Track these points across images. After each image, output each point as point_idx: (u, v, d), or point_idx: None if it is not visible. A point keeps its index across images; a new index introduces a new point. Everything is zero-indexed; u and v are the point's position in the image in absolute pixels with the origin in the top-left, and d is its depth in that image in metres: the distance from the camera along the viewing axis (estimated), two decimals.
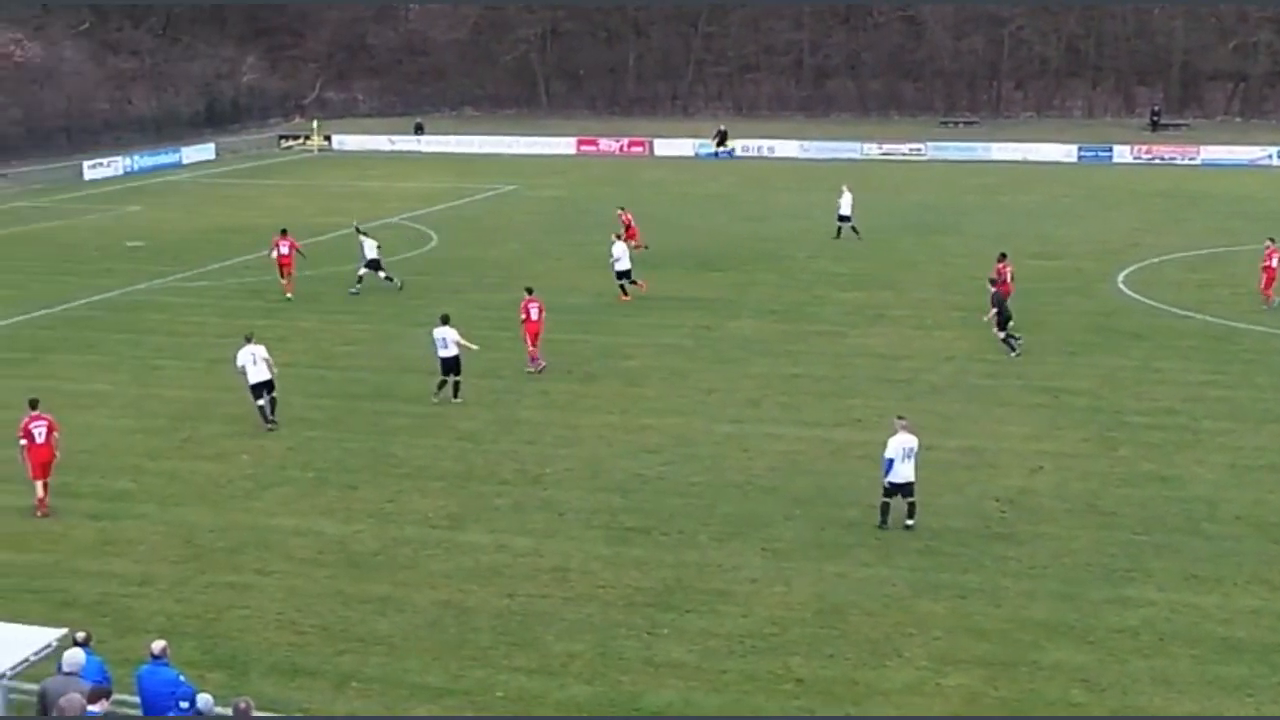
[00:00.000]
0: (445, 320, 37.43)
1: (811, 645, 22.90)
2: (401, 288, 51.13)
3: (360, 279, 51.32)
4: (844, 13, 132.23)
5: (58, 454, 29.44)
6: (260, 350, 34.99)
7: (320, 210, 73.96)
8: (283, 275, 51.32)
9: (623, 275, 50.29)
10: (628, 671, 22.07)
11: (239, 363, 35.00)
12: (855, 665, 22.23)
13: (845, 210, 63.11)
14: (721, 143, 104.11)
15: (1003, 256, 45.14)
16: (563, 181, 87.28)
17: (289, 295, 50.96)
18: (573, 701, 21.25)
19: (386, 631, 23.55)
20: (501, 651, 22.79)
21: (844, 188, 64.51)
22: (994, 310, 41.66)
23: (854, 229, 62.81)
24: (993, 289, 42.16)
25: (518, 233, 66.15)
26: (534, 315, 39.98)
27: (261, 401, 35.08)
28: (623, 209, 60.64)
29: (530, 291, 40.65)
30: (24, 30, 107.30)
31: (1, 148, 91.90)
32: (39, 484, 29.14)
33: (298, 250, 51.52)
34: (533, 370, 39.92)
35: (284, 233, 51.83)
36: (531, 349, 40.14)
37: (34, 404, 29.78)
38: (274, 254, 51.40)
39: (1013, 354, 41.21)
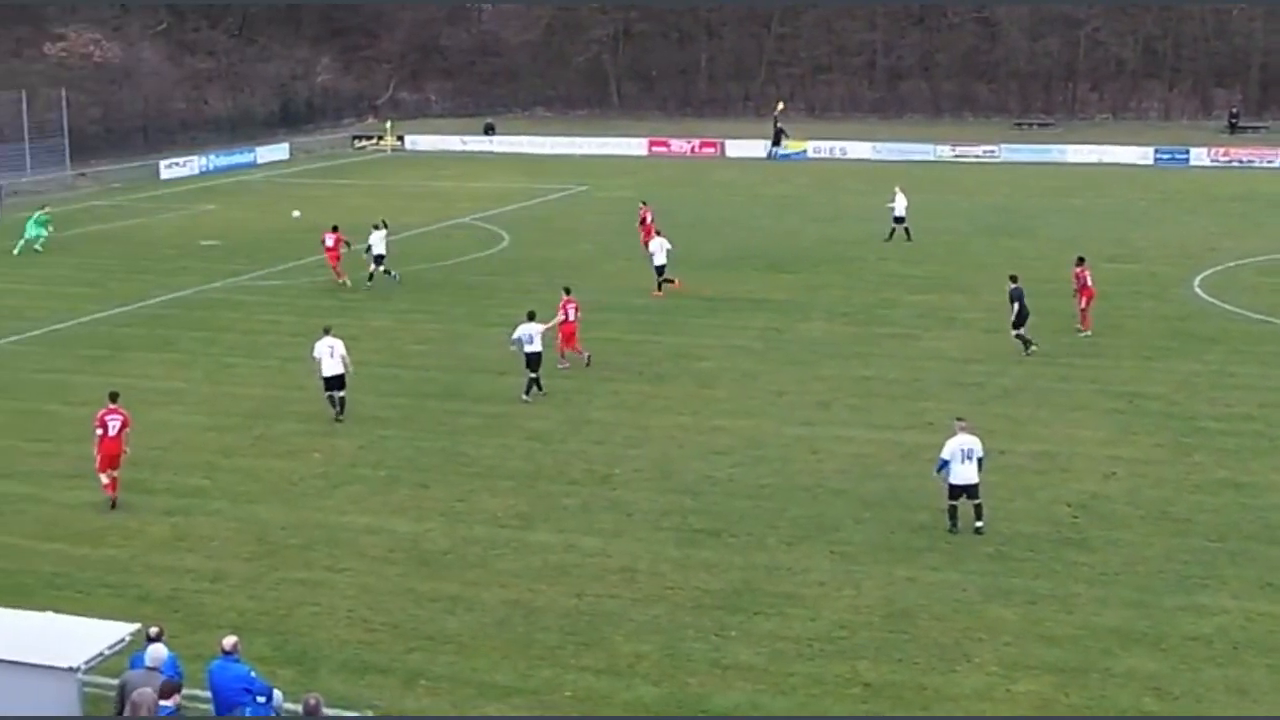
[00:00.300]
0: (531, 316, 37.87)
1: (880, 649, 22.81)
2: (369, 280, 52.53)
3: (387, 271, 52.55)
4: (918, 13, 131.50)
5: (127, 449, 29.80)
6: (339, 345, 35.57)
7: (392, 210, 74.02)
8: (338, 266, 53.00)
9: (661, 270, 50.64)
10: (695, 673, 22.06)
11: (315, 354, 35.56)
12: (924, 670, 22.12)
13: (900, 211, 62.97)
14: (777, 141, 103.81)
15: (1080, 260, 44.73)
16: (634, 182, 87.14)
17: (343, 281, 52.59)
18: (640, 702, 21.26)
19: (455, 630, 23.65)
20: (569, 651, 22.84)
21: (896, 189, 64.33)
22: (1015, 306, 41.58)
23: (891, 231, 62.92)
24: (1012, 285, 41.95)
25: (589, 233, 66.22)
26: (571, 315, 40.20)
27: (332, 394, 35.59)
28: (644, 203, 61.63)
29: (568, 291, 41.01)
30: (103, 30, 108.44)
31: (80, 147, 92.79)
32: (103, 475, 29.58)
33: (345, 244, 53.04)
34: (564, 367, 40.14)
35: (335, 229, 53.33)
36: (562, 347, 40.35)
37: (113, 397, 30.26)
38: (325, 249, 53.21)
39: (1026, 352, 41.29)
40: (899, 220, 62.98)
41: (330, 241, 52.89)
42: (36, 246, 60.94)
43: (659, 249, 50.78)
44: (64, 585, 25.50)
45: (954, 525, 27.58)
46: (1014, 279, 42.29)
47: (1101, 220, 69.47)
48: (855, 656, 22.57)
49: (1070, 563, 26.27)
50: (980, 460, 27.57)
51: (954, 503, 27.61)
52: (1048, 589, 25.08)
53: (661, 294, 50.31)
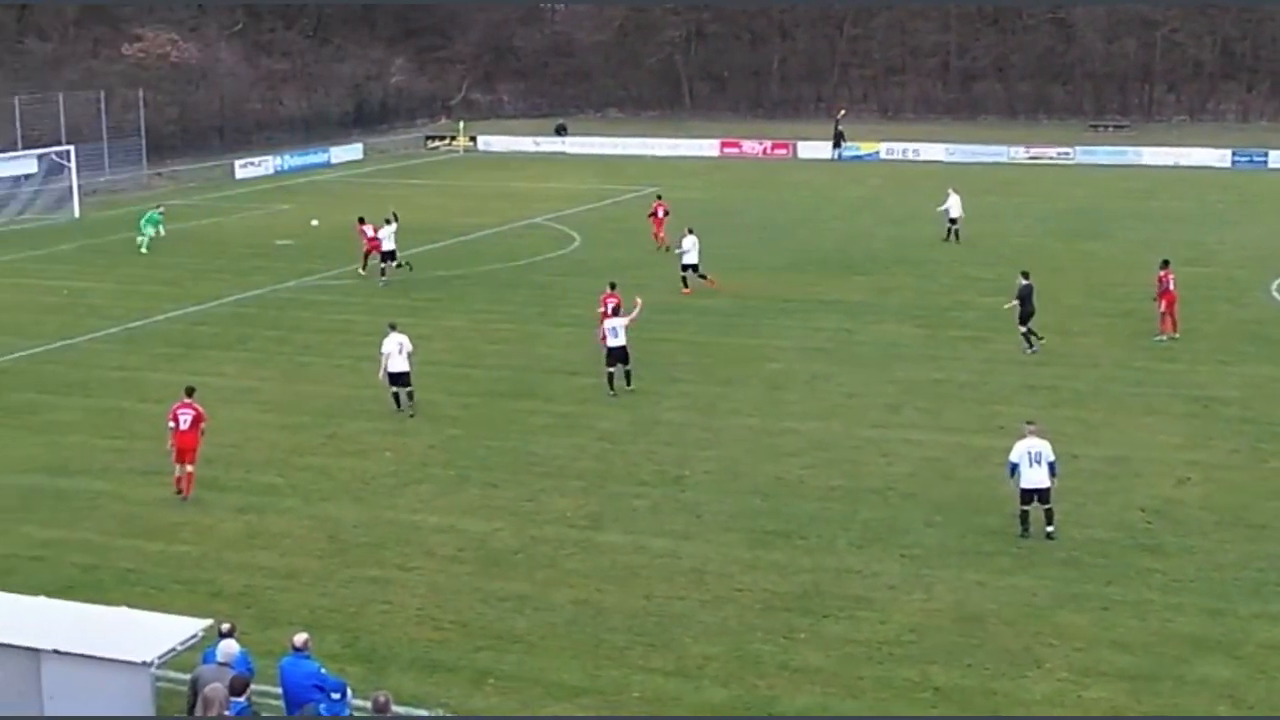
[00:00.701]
0: (616, 311, 38.52)
1: (950, 654, 22.68)
2: (406, 269, 54.31)
3: (392, 266, 53.98)
4: (992, 14, 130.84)
5: (201, 442, 30.18)
6: (406, 341, 36.07)
7: (465, 210, 74.70)
8: (368, 257, 54.98)
9: (688, 268, 51.35)
10: (764, 675, 22.00)
11: (384, 350, 35.92)
12: (994, 675, 21.98)
13: (955, 213, 63.42)
14: (837, 144, 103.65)
15: (1165, 264, 44.25)
16: (705, 183, 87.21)
17: (363, 272, 54.83)
18: (708, 704, 21.22)
19: (524, 629, 23.70)
20: (638, 652, 22.84)
21: (950, 190, 64.68)
22: (1015, 301, 42.31)
23: (953, 232, 63.33)
24: (1023, 281, 42.36)
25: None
26: (610, 309, 40.50)
27: (399, 390, 36.14)
28: (659, 197, 63.80)
29: (613, 286, 41.48)
30: (179, 31, 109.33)
31: (157, 146, 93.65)
32: (178, 466, 30.04)
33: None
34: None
35: (362, 220, 55.65)
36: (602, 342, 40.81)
37: (189, 391, 30.70)
38: (364, 240, 55.21)
39: (1028, 350, 41.78)
40: (952, 221, 63.43)
41: (371, 231, 54.56)
42: (144, 249, 61.62)
43: (691, 246, 51.43)
44: (138, 581, 25.76)
45: (1025, 530, 27.39)
46: (1025, 275, 42.82)
47: (1178, 223, 68.84)
48: (925, 661, 22.45)
49: (1143, 569, 26.04)
50: (1052, 465, 27.33)
51: (1025, 508, 27.40)
52: (1120, 595, 24.86)
53: (714, 282, 50.96)
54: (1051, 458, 27.33)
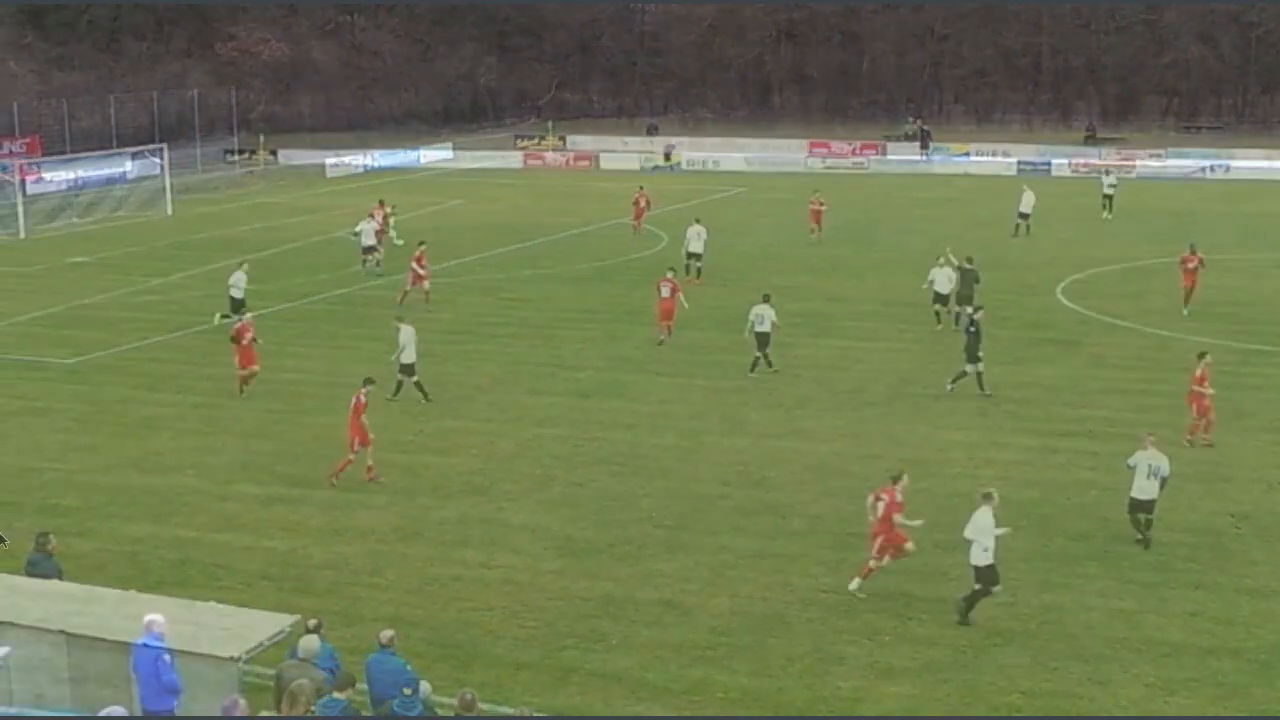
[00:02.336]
0: (766, 299, 40.21)
1: (1035, 657, 22.55)
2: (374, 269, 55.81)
3: (365, 262, 55.93)
4: (1085, 16, 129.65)
5: (354, 435, 31.14)
6: (413, 331, 37.43)
7: (553, 210, 74.92)
8: (379, 246, 56.57)
9: (691, 256, 53.54)
10: (848, 677, 21.98)
11: (402, 342, 37.20)
12: (1079, 680, 21.83)
13: (1025, 209, 65.46)
14: (925, 145, 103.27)
15: None
16: (792, 184, 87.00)
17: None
18: (791, 705, 21.22)
19: (608, 628, 23.78)
20: (721, 653, 22.86)
21: (1024, 187, 67.18)
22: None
23: (1016, 227, 65.40)
24: (967, 266, 44.99)
25: (747, 234, 66.19)
26: (665, 293, 43.11)
27: (404, 379, 37.38)
28: (641, 188, 67.20)
29: (674, 271, 44.49)
30: (272, 30, 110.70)
31: (249, 144, 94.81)
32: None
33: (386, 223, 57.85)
34: (663, 339, 43.21)
35: (381, 203, 58.90)
36: (661, 323, 43.46)
37: (366, 381, 32.17)
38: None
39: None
40: (1024, 216, 65.37)
41: (380, 218, 57.53)
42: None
43: (695, 236, 53.66)
44: (226, 576, 26.05)
45: (1142, 538, 27.04)
46: (969, 260, 45.27)
47: (1275, 224, 67.98)
48: (1009, 663, 22.34)
49: (1232, 574, 25.79)
50: (1164, 480, 27.00)
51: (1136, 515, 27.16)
52: (1208, 600, 24.64)
53: (699, 281, 52.24)
54: (1166, 473, 26.98)
